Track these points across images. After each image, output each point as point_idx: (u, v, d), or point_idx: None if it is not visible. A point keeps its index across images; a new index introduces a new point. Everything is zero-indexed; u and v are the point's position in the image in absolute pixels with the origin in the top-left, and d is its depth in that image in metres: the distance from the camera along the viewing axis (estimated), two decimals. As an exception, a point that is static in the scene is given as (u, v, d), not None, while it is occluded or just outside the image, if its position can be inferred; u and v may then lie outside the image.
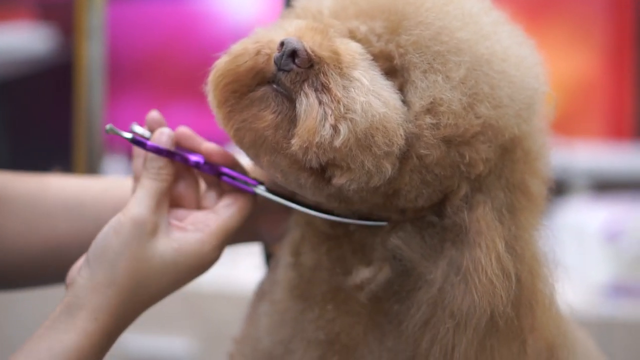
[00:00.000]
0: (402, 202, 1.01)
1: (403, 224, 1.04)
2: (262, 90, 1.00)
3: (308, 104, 0.96)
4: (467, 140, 0.98)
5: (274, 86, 0.99)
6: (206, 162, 1.08)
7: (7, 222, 1.19)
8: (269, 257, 1.28)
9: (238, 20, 3.81)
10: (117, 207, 1.06)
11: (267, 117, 0.99)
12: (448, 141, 0.98)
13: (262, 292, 1.16)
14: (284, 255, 1.12)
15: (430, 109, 0.98)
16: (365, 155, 0.96)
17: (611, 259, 2.44)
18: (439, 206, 1.03)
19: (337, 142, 0.95)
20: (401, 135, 0.97)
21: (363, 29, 1.02)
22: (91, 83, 1.64)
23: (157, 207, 1.02)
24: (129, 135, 1.04)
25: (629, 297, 2.42)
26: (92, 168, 1.64)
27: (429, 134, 0.97)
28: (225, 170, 1.08)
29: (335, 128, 0.95)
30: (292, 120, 0.98)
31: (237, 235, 1.13)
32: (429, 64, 0.98)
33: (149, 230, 1.01)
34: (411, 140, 0.98)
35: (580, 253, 2.42)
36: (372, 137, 0.95)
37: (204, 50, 3.70)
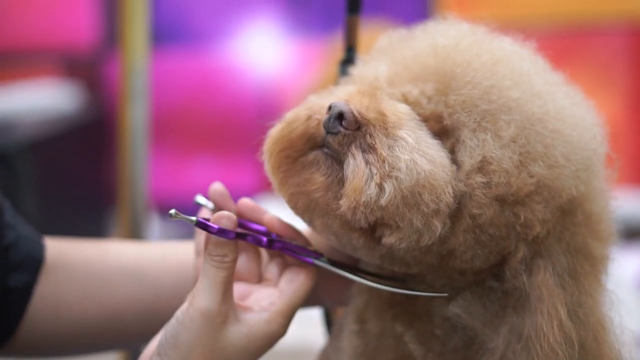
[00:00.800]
0: (458, 263, 1.00)
1: (463, 292, 1.03)
2: (313, 154, 1.01)
3: (355, 165, 0.97)
4: (521, 200, 0.97)
5: (325, 150, 1.00)
6: (276, 240, 1.08)
7: (65, 289, 1.19)
8: (330, 323, 1.28)
9: (262, 75, 3.83)
10: (175, 274, 1.06)
11: (318, 179, 1.00)
12: (501, 200, 0.97)
13: (328, 357, 1.16)
14: (348, 322, 1.12)
15: (481, 168, 0.97)
16: (412, 213, 0.96)
17: (646, 308, 2.42)
18: (498, 270, 1.02)
19: (383, 201, 0.95)
20: (449, 192, 0.97)
21: (415, 92, 1.04)
22: (135, 144, 1.65)
23: (224, 296, 1.01)
24: (193, 219, 1.02)
25: (664, 346, 2.40)
26: (136, 229, 1.64)
27: (480, 193, 0.97)
28: (288, 244, 1.08)
29: (380, 187, 0.95)
30: (340, 181, 0.98)
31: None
32: (477, 122, 0.99)
33: (218, 322, 1.00)
34: (463, 200, 0.98)
35: (614, 302, 2.40)
36: (420, 195, 0.95)
37: (230, 104, 3.74)
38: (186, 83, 3.81)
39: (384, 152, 0.96)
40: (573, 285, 1.01)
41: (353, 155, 0.98)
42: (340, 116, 0.98)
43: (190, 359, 0.99)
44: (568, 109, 1.01)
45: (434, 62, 1.04)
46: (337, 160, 0.99)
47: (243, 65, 3.85)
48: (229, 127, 3.68)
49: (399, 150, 0.96)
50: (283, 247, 1.07)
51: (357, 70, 1.12)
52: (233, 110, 3.72)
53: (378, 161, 0.96)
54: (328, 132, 0.99)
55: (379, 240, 0.99)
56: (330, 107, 0.99)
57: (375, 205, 0.95)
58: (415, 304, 1.07)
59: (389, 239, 0.97)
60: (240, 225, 1.07)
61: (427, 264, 1.02)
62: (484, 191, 0.97)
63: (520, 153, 0.97)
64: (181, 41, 3.83)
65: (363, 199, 0.95)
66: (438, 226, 0.97)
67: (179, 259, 1.18)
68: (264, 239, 1.07)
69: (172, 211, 1.02)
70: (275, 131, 1.04)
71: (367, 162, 0.96)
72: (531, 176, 0.97)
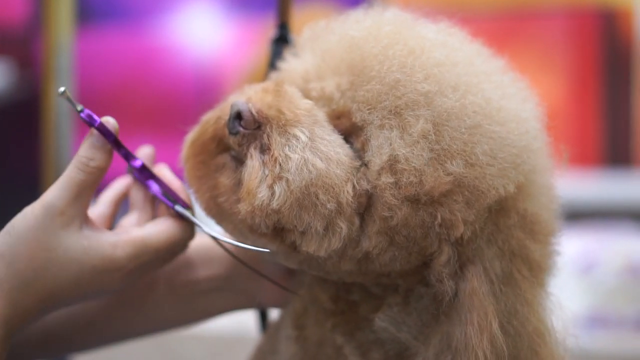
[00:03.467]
0: (377, 267, 0.95)
1: (393, 301, 0.98)
2: (222, 156, 0.98)
3: (251, 166, 0.93)
4: (438, 199, 0.92)
5: (232, 152, 0.97)
6: (150, 173, 1.02)
7: None
8: (265, 321, 1.23)
9: (201, 54, 3.78)
10: None
11: (223, 182, 0.96)
12: (413, 200, 0.92)
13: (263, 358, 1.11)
14: (286, 326, 1.07)
15: (389, 167, 0.92)
16: (311, 215, 0.91)
17: (586, 290, 2.42)
18: (427, 274, 0.96)
19: (275, 204, 0.91)
20: (348, 191, 0.92)
21: (330, 86, 0.98)
22: (59, 124, 1.61)
23: (76, 198, 0.95)
24: (80, 106, 0.97)
25: (605, 329, 2.40)
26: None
27: (389, 193, 0.91)
28: (160, 182, 1.03)
29: (271, 189, 0.91)
30: (241, 184, 0.95)
31: (235, 300, 1.09)
32: (382, 119, 0.93)
33: (59, 222, 0.94)
34: (373, 201, 0.93)
35: (555, 284, 2.40)
36: (315, 195, 0.91)
37: (166, 83, 3.69)
38: (123, 62, 3.75)
39: (276, 152, 0.92)
40: (508, 292, 0.95)
41: (251, 156, 0.94)
42: (238, 115, 0.94)
43: (17, 246, 0.93)
44: (495, 102, 0.94)
45: (346, 54, 0.98)
46: (242, 162, 0.95)
47: (181, 44, 3.79)
48: (166, 107, 3.64)
49: (290, 149, 0.92)
50: (149, 178, 1.02)
51: (287, 64, 1.06)
52: (171, 90, 3.67)
53: (270, 161, 0.92)
54: (230, 133, 0.95)
55: (293, 246, 0.94)
56: (231, 107, 0.95)
57: (269, 209, 0.91)
58: (356, 312, 1.02)
59: (305, 247, 0.93)
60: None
61: (345, 270, 0.97)
62: (394, 191, 0.91)
63: (433, 150, 0.91)
64: (118, 19, 3.77)
65: (256, 202, 0.91)
66: (343, 227, 0.92)
67: None
68: (139, 161, 1.01)
69: (62, 89, 0.97)
70: (189, 136, 1.01)
71: (262, 163, 0.92)
72: (447, 174, 0.91)
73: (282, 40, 1.14)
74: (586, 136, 3.46)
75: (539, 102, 1.01)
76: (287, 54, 1.07)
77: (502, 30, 3.44)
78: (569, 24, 3.49)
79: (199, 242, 1.10)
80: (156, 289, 1.11)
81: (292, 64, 1.05)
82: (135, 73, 3.75)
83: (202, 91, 3.60)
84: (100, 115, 0.98)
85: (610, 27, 3.47)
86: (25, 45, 3.74)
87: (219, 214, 0.98)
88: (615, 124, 3.45)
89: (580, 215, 2.85)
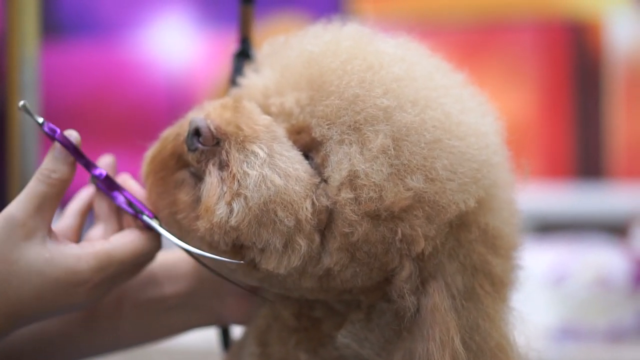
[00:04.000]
0: (338, 283, 0.94)
1: (355, 317, 0.97)
2: (180, 173, 0.97)
3: (210, 183, 0.92)
4: (398, 215, 0.91)
5: (191, 168, 0.96)
6: (107, 178, 1.01)
7: None
8: (227, 339, 1.21)
9: (173, 68, 3.77)
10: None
11: (182, 199, 0.96)
12: (374, 216, 0.91)
13: None
14: (249, 343, 1.06)
15: (349, 183, 0.91)
16: (269, 232, 0.91)
17: (557, 302, 2.42)
18: (389, 289, 0.95)
19: (233, 221, 0.90)
20: (307, 208, 0.91)
21: (290, 101, 0.98)
22: (23, 139, 1.60)
23: (37, 211, 0.94)
24: (40, 119, 0.96)
25: (576, 341, 2.41)
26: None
27: (349, 209, 0.91)
28: (125, 193, 1.01)
29: (230, 206, 0.91)
30: (199, 200, 0.94)
31: (199, 317, 1.08)
32: (341, 134, 0.92)
33: (20, 233, 0.93)
34: (334, 217, 0.92)
35: (526, 296, 2.40)
36: (274, 212, 0.90)
37: (136, 98, 3.67)
38: (94, 75, 3.73)
39: (234, 168, 0.92)
40: (470, 307, 0.94)
41: (209, 172, 0.93)
42: (197, 132, 0.93)
43: None
44: (455, 116, 0.94)
45: (305, 70, 0.97)
46: (201, 178, 0.95)
47: (152, 57, 3.78)
48: (139, 120, 3.62)
49: (248, 166, 0.92)
50: (113, 188, 1.00)
51: (247, 80, 1.05)
52: (143, 104, 3.66)
53: (229, 178, 0.91)
54: (189, 150, 0.94)
55: (253, 264, 0.93)
56: (190, 123, 0.94)
57: (227, 226, 0.90)
58: (319, 329, 1.01)
59: (265, 265, 0.92)
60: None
61: (307, 287, 0.96)
62: (354, 207, 0.91)
63: (392, 165, 0.90)
64: (88, 32, 3.75)
65: (215, 219, 0.91)
66: (302, 244, 0.91)
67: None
68: (103, 172, 1.00)
69: (21, 102, 0.96)
70: (148, 152, 1.00)
71: (220, 180, 0.92)
72: (407, 190, 0.90)
73: (243, 55, 1.13)
74: (557, 148, 3.48)
75: (499, 115, 1.00)
76: (247, 70, 1.07)
77: (471, 42, 3.45)
78: (538, 36, 3.50)
79: (163, 259, 1.09)
80: (120, 306, 1.10)
81: (252, 79, 1.04)
82: (106, 87, 3.73)
83: (174, 105, 3.59)
84: (67, 129, 0.97)
85: (579, 39, 3.48)
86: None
87: (179, 231, 0.97)
88: (585, 136, 3.47)
89: (552, 227, 2.86)
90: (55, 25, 3.71)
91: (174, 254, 1.10)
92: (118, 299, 1.10)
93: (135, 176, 1.05)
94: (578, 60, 3.48)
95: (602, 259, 2.46)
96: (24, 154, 1.60)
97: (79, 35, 3.74)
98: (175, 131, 0.98)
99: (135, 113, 3.65)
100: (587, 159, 3.46)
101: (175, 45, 3.78)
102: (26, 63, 1.59)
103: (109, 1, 3.79)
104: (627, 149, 3.43)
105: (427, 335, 0.91)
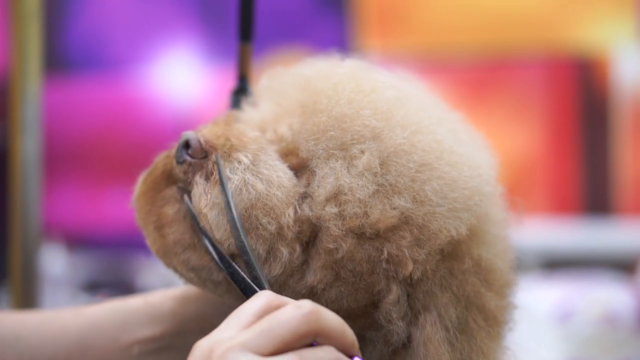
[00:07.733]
0: (323, 304, 0.90)
1: None
2: (169, 189, 0.97)
3: (197, 194, 0.93)
4: (383, 234, 0.90)
5: (179, 184, 0.96)
6: None
7: None
8: None
9: (180, 103, 3.78)
10: (56, 340, 1.01)
11: (168, 213, 0.96)
12: (358, 233, 0.90)
13: None
14: None
15: (333, 197, 0.91)
16: (252, 238, 0.91)
17: (563, 339, 2.41)
18: (377, 316, 0.93)
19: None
20: (289, 214, 0.91)
21: (283, 127, 0.99)
22: (27, 176, 1.60)
23: None
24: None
25: (582, 379, 2.40)
26: (28, 260, 1.59)
27: (333, 224, 0.90)
28: None
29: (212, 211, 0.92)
30: (185, 213, 0.95)
31: (184, 358, 1.08)
32: (327, 150, 0.92)
33: None
34: (317, 233, 0.92)
35: (531, 334, 2.39)
36: (256, 218, 0.91)
37: (142, 135, 3.68)
38: (99, 112, 3.75)
39: (217, 174, 0.93)
40: (463, 341, 0.93)
41: (197, 183, 0.93)
42: (187, 144, 0.94)
43: None
44: (447, 145, 0.93)
45: (299, 94, 0.98)
46: (188, 191, 0.95)
47: (160, 93, 3.80)
48: (146, 156, 3.62)
49: (231, 171, 0.93)
50: None
51: (245, 114, 1.06)
52: (149, 141, 3.67)
53: (212, 184, 0.92)
54: (177, 162, 0.95)
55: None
56: (181, 137, 0.95)
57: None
58: None
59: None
60: None
61: None
62: (338, 222, 0.90)
63: (378, 183, 0.90)
64: (94, 69, 3.77)
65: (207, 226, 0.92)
66: (284, 252, 0.91)
67: (62, 323, 1.11)
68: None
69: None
70: (141, 176, 1.00)
71: (204, 189, 0.93)
72: (393, 208, 0.89)
73: (242, 92, 1.14)
74: (564, 185, 3.47)
75: (495, 152, 1.00)
76: (245, 105, 1.07)
77: (479, 79, 3.45)
78: (545, 73, 3.51)
79: (145, 300, 1.09)
80: (107, 351, 1.10)
81: (249, 113, 1.05)
82: (111, 123, 3.74)
83: (181, 141, 3.60)
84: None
85: (586, 76, 3.49)
86: (1, 96, 3.74)
87: (163, 248, 0.96)
88: (592, 172, 3.46)
89: (558, 264, 2.85)
90: (59, 62, 3.73)
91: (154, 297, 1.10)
92: (105, 344, 1.10)
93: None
94: (585, 97, 3.49)
95: (609, 296, 2.45)
96: (26, 192, 1.60)
97: (83, 71, 3.76)
98: (166, 153, 0.99)
99: (141, 150, 3.65)
100: (594, 196, 3.46)
101: (181, 82, 3.80)
102: (29, 100, 1.60)
103: (114, 38, 3.81)
104: (634, 185, 3.42)
105: None
